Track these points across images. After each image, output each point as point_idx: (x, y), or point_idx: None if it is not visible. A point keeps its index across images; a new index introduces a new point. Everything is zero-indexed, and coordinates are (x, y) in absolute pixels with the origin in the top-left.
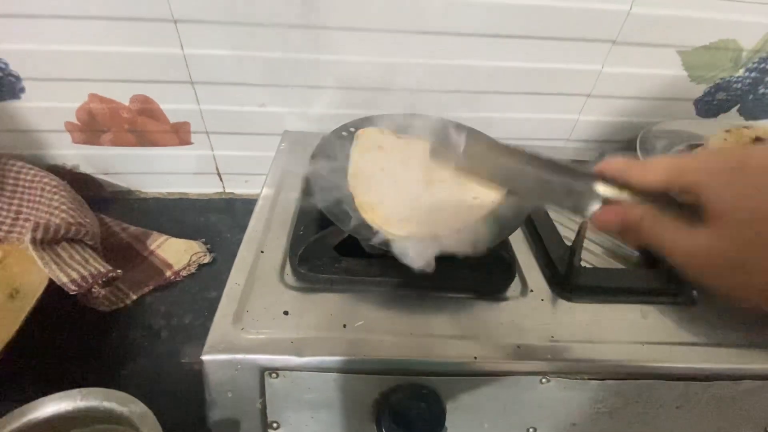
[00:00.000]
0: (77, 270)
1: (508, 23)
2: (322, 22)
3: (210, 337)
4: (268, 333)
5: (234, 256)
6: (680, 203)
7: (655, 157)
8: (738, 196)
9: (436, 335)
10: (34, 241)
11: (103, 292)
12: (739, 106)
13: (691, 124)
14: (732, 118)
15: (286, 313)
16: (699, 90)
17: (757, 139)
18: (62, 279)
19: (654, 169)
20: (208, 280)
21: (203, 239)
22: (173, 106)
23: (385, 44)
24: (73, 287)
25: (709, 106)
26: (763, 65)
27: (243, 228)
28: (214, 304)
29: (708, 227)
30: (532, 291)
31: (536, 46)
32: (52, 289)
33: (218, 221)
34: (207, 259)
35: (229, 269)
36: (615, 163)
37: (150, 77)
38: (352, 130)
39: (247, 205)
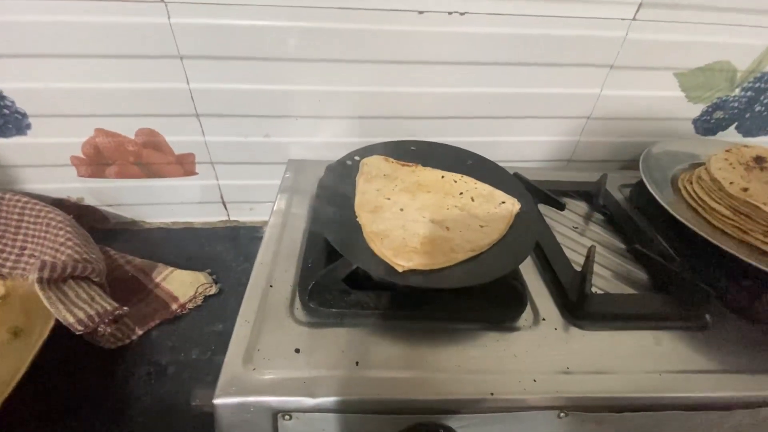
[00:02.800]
0: (83, 309)
1: (507, 52)
2: (323, 56)
3: (221, 379)
4: (280, 373)
5: (239, 285)
6: None
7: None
8: None
9: (451, 370)
10: (41, 280)
11: (109, 329)
12: (736, 123)
13: (690, 143)
14: (730, 135)
15: (297, 350)
16: (697, 109)
17: (758, 158)
18: (68, 319)
19: None
20: (214, 312)
21: (209, 270)
22: (178, 138)
23: (389, 74)
24: (79, 327)
25: (708, 124)
26: (758, 84)
27: (248, 257)
28: (220, 338)
29: None
30: (544, 320)
31: (535, 72)
32: (56, 326)
33: (223, 250)
34: (213, 291)
35: (234, 300)
36: None
37: (155, 111)
38: (357, 158)
39: (252, 232)
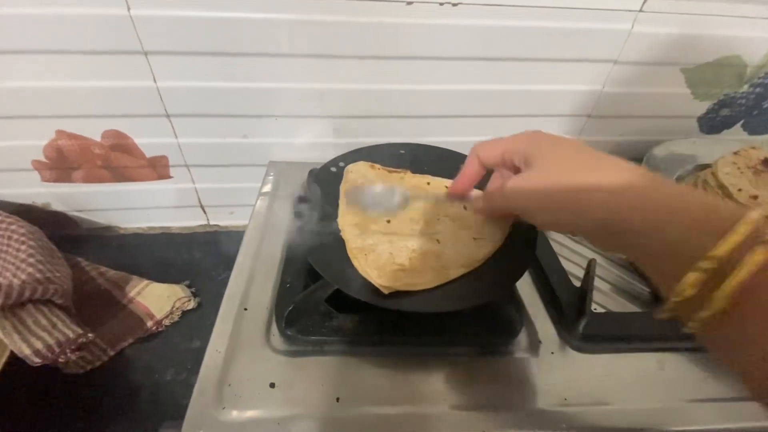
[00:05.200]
0: (42, 338)
1: (502, 46)
2: (305, 51)
3: (186, 420)
4: (253, 412)
5: (219, 297)
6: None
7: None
8: (548, 149)
9: (440, 404)
10: None
11: (73, 357)
12: (743, 121)
13: (694, 144)
14: (735, 133)
15: (272, 385)
16: (702, 107)
17: (766, 161)
18: (24, 351)
19: (493, 149)
20: (192, 327)
21: (187, 281)
22: (149, 140)
23: (375, 70)
24: (36, 359)
25: (713, 122)
26: (767, 80)
27: (229, 264)
28: (197, 355)
29: (532, 168)
30: (541, 342)
31: (532, 67)
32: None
33: (202, 257)
34: (191, 305)
35: (214, 313)
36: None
37: (122, 112)
38: (342, 164)
39: (233, 237)
